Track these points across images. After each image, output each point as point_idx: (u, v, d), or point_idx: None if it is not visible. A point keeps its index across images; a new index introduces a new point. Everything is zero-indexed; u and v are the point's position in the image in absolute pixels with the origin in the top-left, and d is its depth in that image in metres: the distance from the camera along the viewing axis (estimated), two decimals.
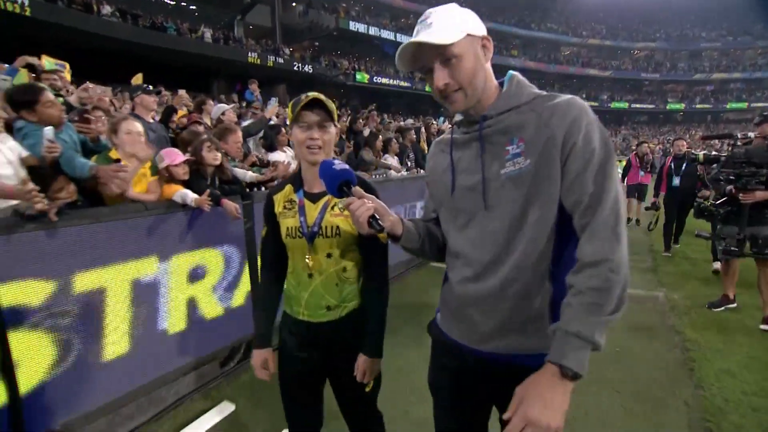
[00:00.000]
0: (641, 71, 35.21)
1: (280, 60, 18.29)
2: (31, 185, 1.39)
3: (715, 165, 2.88)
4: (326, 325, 1.08)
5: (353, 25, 22.02)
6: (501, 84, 0.81)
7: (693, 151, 5.78)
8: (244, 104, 7.11)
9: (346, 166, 0.87)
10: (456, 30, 0.72)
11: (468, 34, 0.73)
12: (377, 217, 0.79)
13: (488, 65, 0.77)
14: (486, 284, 0.78)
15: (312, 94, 1.00)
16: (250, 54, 16.93)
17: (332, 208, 1.07)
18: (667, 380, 2.08)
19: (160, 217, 1.79)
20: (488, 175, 0.77)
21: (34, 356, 1.49)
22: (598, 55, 35.51)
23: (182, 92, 4.97)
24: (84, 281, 1.58)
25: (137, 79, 3.91)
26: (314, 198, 1.09)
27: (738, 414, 1.79)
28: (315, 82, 19.88)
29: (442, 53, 0.72)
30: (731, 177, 2.57)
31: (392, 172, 3.72)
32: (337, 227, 1.05)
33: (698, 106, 34.78)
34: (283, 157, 3.13)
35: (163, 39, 14.47)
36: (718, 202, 2.67)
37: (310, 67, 19.49)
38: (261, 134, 3.45)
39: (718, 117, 35.36)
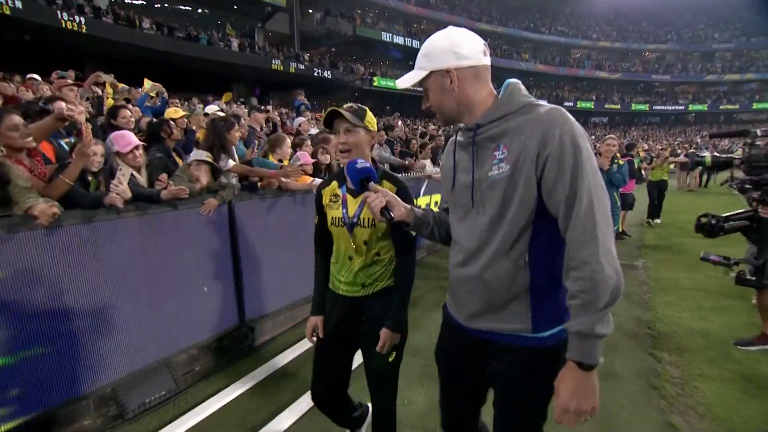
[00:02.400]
0: (652, 73, 35.61)
1: (301, 66, 19.60)
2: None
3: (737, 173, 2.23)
4: (361, 299, 1.29)
5: (370, 33, 23.12)
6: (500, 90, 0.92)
7: (698, 152, 5.91)
8: (260, 107, 8.01)
9: (368, 164, 1.04)
10: (421, 72, 0.89)
11: (431, 71, 0.88)
12: (389, 208, 0.98)
13: (468, 88, 0.88)
14: (470, 269, 0.92)
15: (330, 110, 1.20)
16: (273, 61, 18.27)
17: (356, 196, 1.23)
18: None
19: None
20: (478, 177, 0.90)
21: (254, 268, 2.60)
22: (608, 58, 35.96)
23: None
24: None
25: (149, 86, 4.47)
26: (355, 193, 1.26)
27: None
28: (332, 86, 21.03)
29: (421, 84, 0.91)
30: (747, 186, 2.10)
31: (428, 170, 4.80)
32: (372, 219, 1.24)
33: (723, 107, 34.56)
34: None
35: (195, 49, 15.81)
36: (726, 215, 2.11)
37: (329, 72, 20.69)
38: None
39: (732, 118, 35.40)
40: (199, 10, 21.35)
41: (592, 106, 34.31)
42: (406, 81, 0.93)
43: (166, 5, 20.02)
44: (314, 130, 4.49)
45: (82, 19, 12.26)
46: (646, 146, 9.06)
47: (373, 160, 1.29)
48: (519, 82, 0.91)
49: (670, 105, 35.77)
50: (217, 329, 2.43)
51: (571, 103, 34.21)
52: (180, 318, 2.19)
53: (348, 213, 1.27)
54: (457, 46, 0.87)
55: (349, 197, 1.27)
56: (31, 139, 1.75)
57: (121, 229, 1.92)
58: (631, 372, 2.20)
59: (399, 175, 1.42)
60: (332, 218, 1.29)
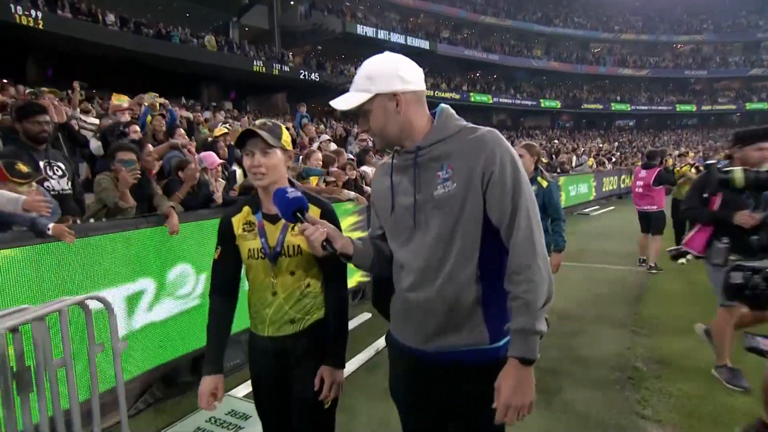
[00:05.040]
0: (685, 68, 36.74)
1: (286, 68, 20.89)
2: None
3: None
4: (290, 337, 1.35)
5: (361, 29, 24.56)
6: (434, 115, 1.12)
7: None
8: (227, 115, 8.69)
9: (299, 194, 1.15)
10: (363, 94, 1.06)
11: (377, 94, 1.05)
12: (330, 240, 1.10)
13: (410, 112, 1.08)
14: (425, 291, 1.09)
15: (251, 126, 1.29)
16: (255, 63, 19.53)
17: (293, 228, 1.31)
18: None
19: None
20: (421, 197, 1.08)
21: None
22: (633, 52, 37.24)
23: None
24: None
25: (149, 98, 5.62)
26: (273, 219, 1.33)
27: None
28: (319, 90, 22.18)
29: (360, 107, 1.07)
30: None
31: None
32: (298, 246, 1.31)
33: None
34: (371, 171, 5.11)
35: (167, 48, 16.92)
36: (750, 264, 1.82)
37: (316, 74, 22.06)
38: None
39: None
40: (167, 2, 22.45)
41: (609, 108, 35.36)
42: (346, 103, 1.08)
43: None
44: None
45: (39, 14, 13.08)
46: (678, 152, 7.89)
47: (290, 181, 1.39)
48: (449, 107, 1.15)
49: (708, 104, 36.73)
50: None
51: (597, 105, 35.09)
52: None
53: (268, 242, 1.33)
54: (401, 70, 1.07)
55: (266, 224, 1.34)
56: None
57: None
58: None
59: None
60: (249, 250, 1.34)
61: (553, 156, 13.96)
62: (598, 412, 2.46)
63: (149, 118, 5.05)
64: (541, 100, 34.43)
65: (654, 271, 5.42)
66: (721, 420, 2.35)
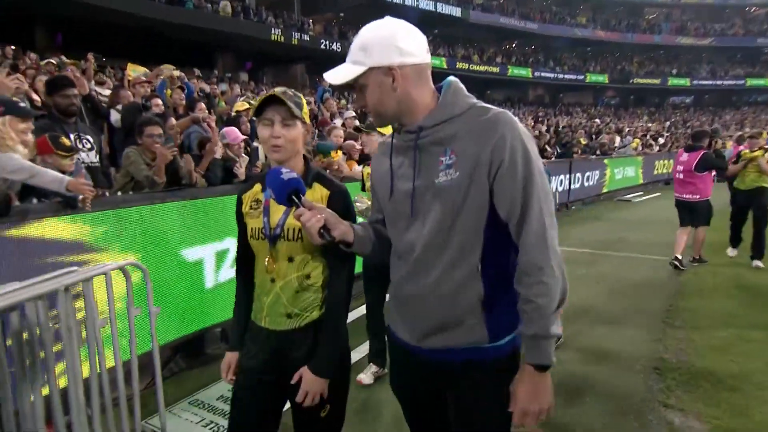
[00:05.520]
0: (759, 36, 34.32)
1: (306, 37, 20.85)
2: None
3: None
4: (285, 334, 1.31)
5: None
6: (440, 89, 1.07)
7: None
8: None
9: (295, 174, 1.12)
10: (357, 66, 1.01)
11: (371, 68, 1.00)
12: (328, 227, 1.08)
13: (410, 88, 1.02)
14: (420, 283, 1.09)
15: (273, 91, 1.24)
16: (273, 31, 19.56)
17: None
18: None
19: None
20: (420, 183, 1.06)
21: None
22: (695, 18, 35.40)
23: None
24: None
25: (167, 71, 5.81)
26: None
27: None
28: (341, 61, 22.13)
29: (355, 81, 1.03)
30: None
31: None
32: (300, 230, 1.26)
33: None
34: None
35: (180, 14, 16.94)
36: None
37: (338, 44, 21.89)
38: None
39: None
40: None
41: (666, 83, 33.93)
42: (337, 76, 1.04)
43: None
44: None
45: None
46: (747, 133, 6.49)
47: (305, 158, 1.37)
48: (458, 81, 1.08)
49: None
50: None
51: (649, 79, 33.21)
52: None
53: (270, 222, 1.31)
54: (400, 41, 1.00)
55: (272, 203, 1.31)
56: None
57: None
58: None
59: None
60: (252, 229, 1.34)
61: (593, 136, 13.62)
62: (619, 399, 2.60)
63: (168, 91, 5.31)
64: (588, 74, 33.17)
65: (696, 264, 5.29)
66: (750, 413, 2.43)
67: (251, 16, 19.89)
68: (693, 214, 5.20)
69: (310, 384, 1.26)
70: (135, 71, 6.75)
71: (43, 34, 16.28)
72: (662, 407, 2.52)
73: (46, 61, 6.75)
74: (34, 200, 2.62)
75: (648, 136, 15.96)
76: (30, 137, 2.38)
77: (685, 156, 5.24)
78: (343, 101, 13.96)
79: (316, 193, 1.31)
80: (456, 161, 1.02)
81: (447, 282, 1.06)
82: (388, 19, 1.05)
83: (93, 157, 3.26)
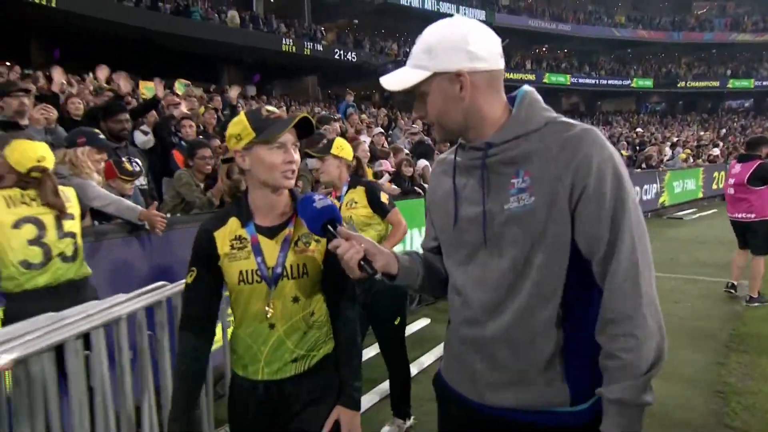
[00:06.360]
0: None
1: (319, 47, 21.64)
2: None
3: None
4: (291, 380, 1.31)
5: None
6: (513, 100, 1.04)
7: None
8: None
9: (329, 202, 1.13)
10: (419, 71, 0.99)
11: (435, 73, 0.98)
12: (369, 259, 1.06)
13: (480, 97, 1.00)
14: (487, 329, 1.03)
15: (305, 115, 1.29)
16: (284, 41, 20.38)
17: (296, 243, 1.29)
18: None
19: None
20: (489, 209, 1.01)
21: None
22: (753, 12, 34.68)
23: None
24: None
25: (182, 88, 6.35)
26: (271, 233, 1.30)
27: None
28: (355, 72, 22.59)
29: (415, 88, 1.01)
30: None
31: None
32: (304, 265, 1.28)
33: None
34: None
35: (187, 26, 17.87)
36: None
37: (353, 54, 22.63)
38: None
39: None
40: None
41: (725, 84, 33.51)
42: (397, 82, 1.03)
43: None
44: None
45: None
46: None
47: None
48: (535, 91, 1.05)
49: None
50: None
51: (700, 82, 32.74)
52: None
53: (265, 262, 1.29)
54: (471, 44, 0.97)
55: (262, 239, 1.29)
56: None
57: None
58: None
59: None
60: (241, 273, 1.30)
61: (637, 147, 13.76)
62: (680, 421, 2.83)
63: (201, 109, 5.88)
64: (635, 79, 33.20)
65: (756, 304, 4.81)
66: None
67: (260, 26, 20.82)
68: (749, 237, 4.88)
69: (350, 421, 1.33)
70: (148, 88, 7.33)
71: (39, 49, 17.25)
72: (724, 427, 2.76)
73: (93, 87, 7.18)
74: (95, 222, 3.09)
75: (699, 146, 15.96)
76: (102, 166, 2.86)
77: (737, 167, 4.98)
78: (364, 116, 14.50)
79: (355, 196, 1.44)
80: (530, 185, 0.97)
81: (521, 329, 1.01)
82: (457, 17, 1.04)
83: (142, 180, 3.76)
